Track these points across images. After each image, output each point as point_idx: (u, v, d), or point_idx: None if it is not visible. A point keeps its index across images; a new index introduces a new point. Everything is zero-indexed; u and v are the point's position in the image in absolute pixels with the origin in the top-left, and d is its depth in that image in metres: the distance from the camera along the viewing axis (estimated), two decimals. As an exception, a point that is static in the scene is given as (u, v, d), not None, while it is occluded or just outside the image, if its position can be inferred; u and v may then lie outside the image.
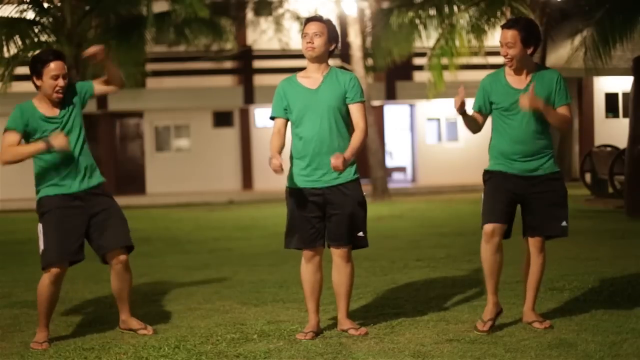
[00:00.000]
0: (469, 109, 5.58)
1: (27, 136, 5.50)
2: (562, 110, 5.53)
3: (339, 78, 5.53)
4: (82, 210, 5.54)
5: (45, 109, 5.51)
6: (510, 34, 5.45)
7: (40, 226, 5.52)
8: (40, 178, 5.56)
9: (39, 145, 5.37)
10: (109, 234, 5.57)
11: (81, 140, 5.56)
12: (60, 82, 5.44)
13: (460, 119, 5.66)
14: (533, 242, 5.61)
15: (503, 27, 5.52)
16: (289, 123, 5.57)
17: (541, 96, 5.45)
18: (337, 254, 5.55)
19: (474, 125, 5.68)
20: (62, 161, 5.49)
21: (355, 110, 5.54)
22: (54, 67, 5.43)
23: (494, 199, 5.52)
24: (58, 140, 5.35)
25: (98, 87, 5.72)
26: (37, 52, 5.57)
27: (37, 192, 5.59)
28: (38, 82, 5.48)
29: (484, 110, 5.65)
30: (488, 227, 5.47)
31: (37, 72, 5.46)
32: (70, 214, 5.51)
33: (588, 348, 4.94)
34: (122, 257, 5.61)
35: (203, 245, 11.68)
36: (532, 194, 5.53)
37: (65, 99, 5.55)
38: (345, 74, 5.57)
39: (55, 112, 5.51)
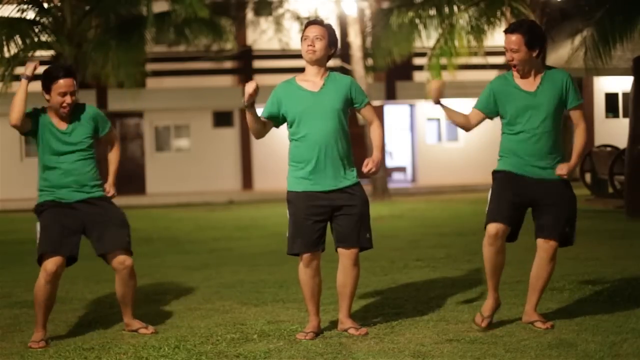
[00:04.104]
0: (446, 103, 5.60)
1: (34, 132, 5.61)
2: (575, 115, 5.54)
3: (340, 81, 5.54)
4: (78, 212, 5.61)
5: (55, 120, 5.63)
6: (514, 38, 5.41)
7: (37, 224, 5.61)
8: (41, 186, 5.67)
9: (21, 84, 5.48)
10: (107, 236, 5.60)
11: (81, 160, 5.62)
12: (68, 99, 5.54)
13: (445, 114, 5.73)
14: (546, 248, 5.52)
15: (506, 31, 5.47)
16: (286, 127, 5.56)
17: (552, 97, 5.45)
18: (346, 256, 5.51)
19: (460, 119, 5.67)
20: (60, 174, 5.58)
21: (367, 111, 5.63)
22: (62, 83, 5.53)
23: (501, 198, 5.46)
24: (28, 68, 5.50)
25: (109, 136, 5.87)
26: (49, 66, 5.71)
27: (38, 197, 5.70)
28: (47, 97, 5.59)
29: (485, 110, 5.61)
30: (492, 227, 5.42)
31: (46, 87, 5.57)
32: (67, 212, 5.59)
33: (588, 348, 4.94)
34: (127, 261, 5.63)
35: (203, 245, 11.67)
36: (543, 195, 5.49)
37: (75, 117, 5.65)
38: (344, 78, 5.58)
39: (63, 126, 5.62)
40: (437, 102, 5.63)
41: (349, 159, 5.53)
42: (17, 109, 5.45)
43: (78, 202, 5.61)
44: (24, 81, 5.49)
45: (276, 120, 5.56)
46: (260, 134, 5.55)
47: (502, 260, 5.50)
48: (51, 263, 5.46)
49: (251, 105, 5.32)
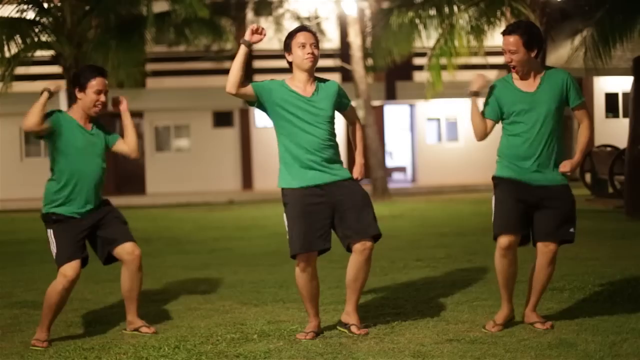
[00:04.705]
0: (480, 101, 5.55)
1: (52, 135, 5.59)
2: (578, 113, 5.54)
3: (327, 87, 5.52)
4: (88, 218, 5.67)
5: (81, 121, 5.67)
6: (512, 39, 5.40)
7: (50, 232, 5.63)
8: (51, 197, 5.64)
9: (42, 96, 5.46)
10: (118, 229, 5.70)
11: (96, 172, 5.66)
12: (102, 97, 5.63)
13: (469, 111, 5.60)
14: (545, 252, 5.50)
15: (504, 33, 5.46)
16: (273, 125, 5.52)
17: (552, 97, 5.44)
18: (360, 252, 5.40)
19: (479, 121, 5.53)
20: (75, 188, 5.61)
21: (349, 112, 5.66)
22: (98, 82, 5.62)
23: (507, 206, 5.42)
24: (54, 85, 5.49)
25: (118, 145, 5.84)
26: (83, 65, 5.79)
27: (45, 207, 5.66)
28: (80, 95, 5.63)
29: (494, 117, 5.56)
30: (503, 240, 5.39)
31: (80, 85, 5.62)
32: (77, 220, 5.64)
33: (588, 348, 4.94)
34: (137, 251, 5.71)
35: (203, 245, 11.67)
36: (543, 200, 5.45)
37: (97, 124, 5.74)
38: (332, 84, 5.57)
39: (88, 127, 5.70)
40: (476, 93, 5.53)
41: (337, 159, 5.51)
42: (31, 120, 5.42)
43: (88, 212, 5.66)
44: (45, 94, 5.45)
45: (255, 97, 5.42)
46: (234, 84, 5.32)
47: (515, 271, 5.51)
48: (70, 269, 5.52)
49: (250, 45, 5.30)
